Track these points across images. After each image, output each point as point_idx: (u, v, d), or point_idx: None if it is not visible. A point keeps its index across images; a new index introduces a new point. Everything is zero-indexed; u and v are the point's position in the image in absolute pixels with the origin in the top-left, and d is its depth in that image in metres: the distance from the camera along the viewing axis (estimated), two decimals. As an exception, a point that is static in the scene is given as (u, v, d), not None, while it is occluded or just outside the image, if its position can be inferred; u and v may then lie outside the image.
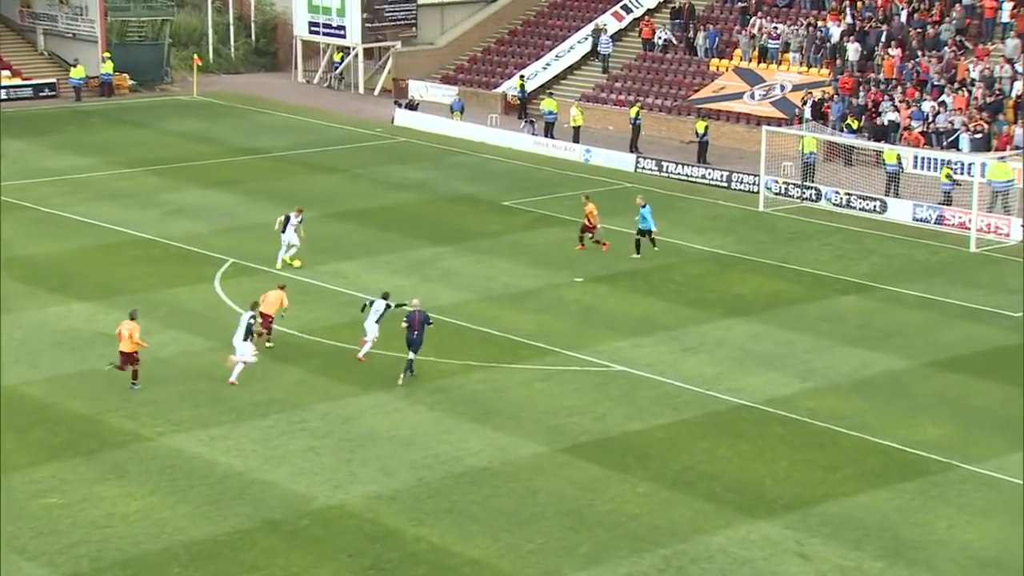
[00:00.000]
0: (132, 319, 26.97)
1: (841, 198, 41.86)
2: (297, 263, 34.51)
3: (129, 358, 26.69)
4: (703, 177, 45.33)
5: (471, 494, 22.80)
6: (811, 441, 24.80)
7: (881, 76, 48.66)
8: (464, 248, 37.04)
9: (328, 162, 48.33)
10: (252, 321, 27.01)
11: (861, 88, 48.23)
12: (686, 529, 21.64)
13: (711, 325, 31.10)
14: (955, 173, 40.31)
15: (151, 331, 30.19)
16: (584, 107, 52.74)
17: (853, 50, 50.02)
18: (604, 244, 36.39)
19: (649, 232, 36.02)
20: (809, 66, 51.47)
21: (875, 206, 41.09)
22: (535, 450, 24.48)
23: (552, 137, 50.98)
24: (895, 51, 48.67)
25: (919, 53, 48.39)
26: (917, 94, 46.74)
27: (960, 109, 45.10)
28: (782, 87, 50.67)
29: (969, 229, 37.94)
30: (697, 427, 25.52)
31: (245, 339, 26.90)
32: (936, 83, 46.85)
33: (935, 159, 43.58)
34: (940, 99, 45.91)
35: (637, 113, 49.71)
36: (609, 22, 57.75)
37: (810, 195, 42.46)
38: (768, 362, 28.85)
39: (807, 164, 43.74)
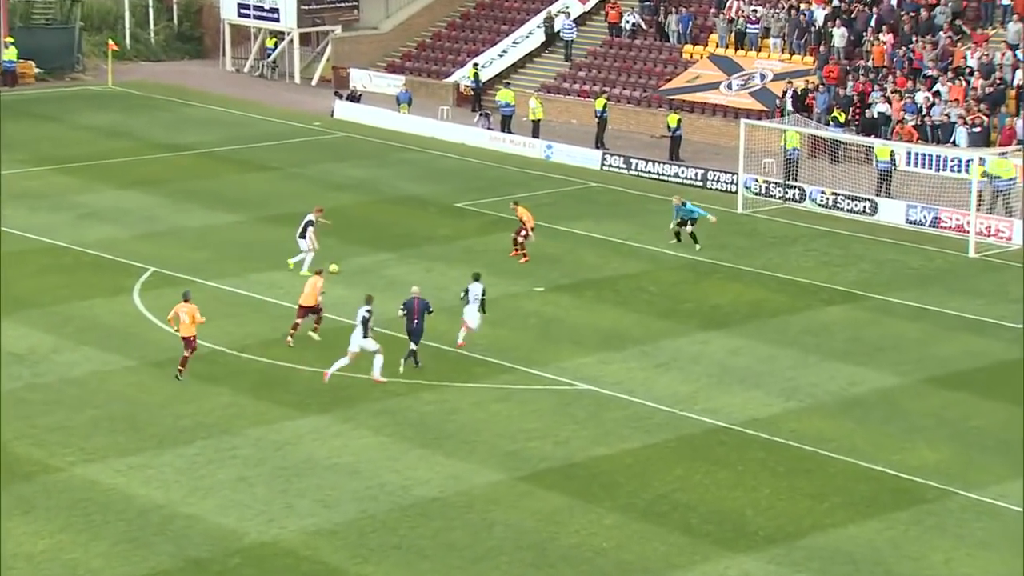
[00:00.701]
0: (187, 300, 28.36)
1: (827, 198, 42.18)
2: (302, 271, 34.11)
3: (189, 343, 28.07)
4: (676, 176, 45.56)
5: (421, 528, 22.74)
6: (796, 467, 24.93)
7: (870, 64, 49.11)
8: (412, 255, 37.00)
9: (261, 159, 48.13)
10: (368, 315, 27.97)
11: (849, 77, 48.65)
12: (659, 565, 21.68)
13: (686, 339, 31.22)
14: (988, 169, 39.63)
15: (61, 349, 29.89)
16: (544, 99, 52.85)
17: (839, 35, 50.45)
18: (524, 254, 36.41)
19: (694, 221, 36.86)
20: (792, 53, 51.87)
21: (865, 207, 41.44)
22: (491, 478, 24.47)
23: (509, 132, 51.05)
24: (885, 36, 49.15)
25: (912, 39, 48.89)
26: (910, 84, 47.20)
27: (957, 100, 45.59)
28: (762, 76, 51.03)
29: (967, 232, 38.32)
30: (670, 452, 25.59)
31: (365, 336, 27.87)
32: (930, 72, 47.35)
33: (930, 155, 44.04)
34: (934, 89, 46.38)
35: (603, 105, 49.89)
36: (572, 4, 57.95)
37: (793, 195, 42.77)
38: (748, 379, 28.99)
39: (790, 161, 44.05)
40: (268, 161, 47.87)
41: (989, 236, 38.54)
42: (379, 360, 28.05)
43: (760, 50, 52.53)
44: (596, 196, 44.24)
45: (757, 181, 43.31)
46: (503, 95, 51.97)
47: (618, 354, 30.36)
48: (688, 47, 54.30)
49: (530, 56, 57.62)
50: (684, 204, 37.70)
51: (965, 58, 47.12)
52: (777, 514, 23.19)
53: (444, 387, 28.49)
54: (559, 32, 56.90)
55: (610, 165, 47.18)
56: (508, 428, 26.56)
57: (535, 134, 50.36)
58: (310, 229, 34.80)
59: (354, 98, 55.78)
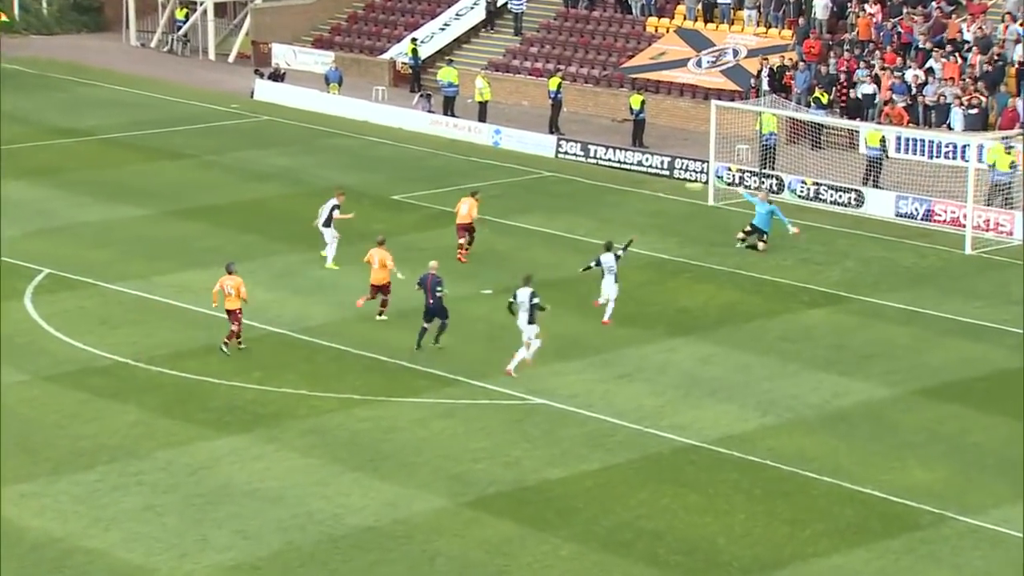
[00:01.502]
0: (231, 273, 30.11)
1: (808, 189, 42.52)
2: (327, 263, 35.68)
3: (234, 316, 29.95)
4: (640, 164, 45.76)
5: (354, 560, 22.68)
6: (774, 489, 25.10)
7: (855, 38, 49.51)
8: (343, 253, 36.94)
9: (171, 146, 47.89)
10: (536, 299, 29.10)
11: (831, 53, 49.04)
12: (622, 600, 21.85)
13: (651, 346, 31.36)
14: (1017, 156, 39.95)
15: (-57, 361, 29.60)
16: (492, 78, 52.95)
17: (821, 6, 50.85)
18: (463, 252, 36.53)
19: (761, 232, 36.85)
20: (768, 26, 52.23)
21: (850, 199, 41.80)
22: (434, 504, 24.47)
23: (453, 115, 51.10)
24: (872, 7, 49.56)
25: (902, 10, 49.33)
26: (899, 60, 47.64)
27: (951, 78, 46.06)
28: (735, 52, 51.36)
29: (964, 226, 38.73)
30: (634, 473, 25.69)
31: (531, 322, 29.02)
32: (922, 46, 47.80)
33: (923, 141, 44.46)
34: (927, 66, 46.84)
35: (558, 85, 50.03)
36: (521, -28, 58.08)
37: (771, 185, 43.06)
38: (721, 392, 29.16)
39: (766, 147, 44.35)
40: (179, 148, 47.62)
41: (988, 231, 38.96)
42: (536, 344, 29.29)
43: (733, 23, 52.87)
44: (550, 187, 44.35)
45: (730, 170, 43.59)
46: (445, 74, 51.99)
47: (575, 364, 30.43)
48: (652, 20, 54.57)
49: (475, 30, 57.72)
50: (773, 208, 36.77)
51: (961, 31, 47.61)
52: (753, 542, 23.34)
53: (380, 402, 28.46)
54: (507, 4, 56.99)
55: (566, 152, 47.32)
56: (452, 448, 26.56)
57: (482, 118, 50.43)
58: (336, 214, 35.79)
59: (277, 77, 55.61)
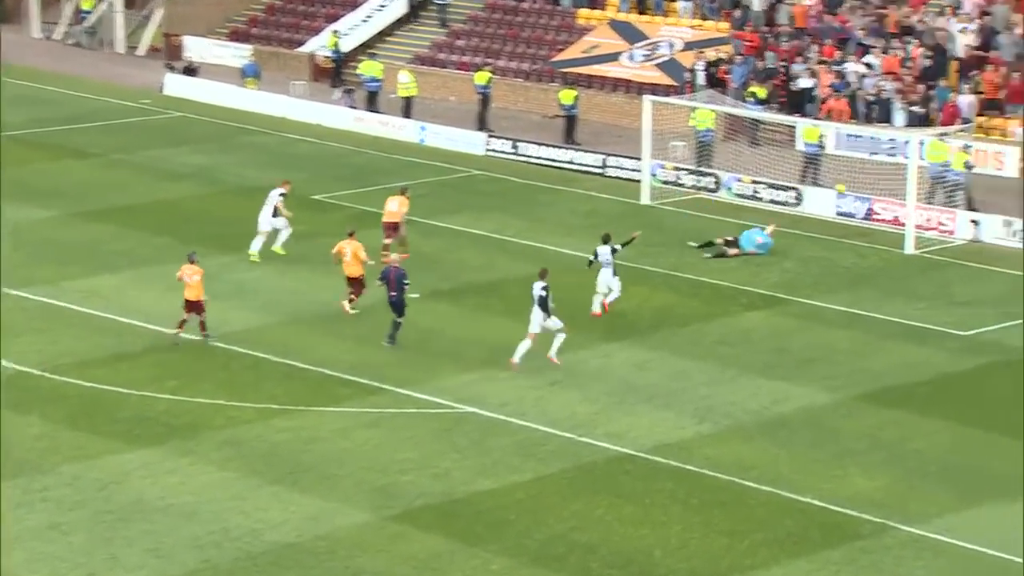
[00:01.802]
0: (193, 262, 30.68)
1: (746, 187, 42.82)
2: (276, 245, 36.76)
3: (195, 306, 30.61)
4: (571, 162, 45.90)
5: (273, 580, 22.63)
6: (711, 499, 25.26)
7: (792, 30, 49.84)
8: (262, 256, 36.76)
9: (77, 144, 47.44)
10: (544, 292, 29.79)
11: (769, 46, 49.40)
12: (555, 617, 21.90)
13: (585, 352, 31.46)
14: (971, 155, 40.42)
15: None
16: (417, 72, 52.88)
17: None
18: (386, 255, 36.63)
19: (720, 248, 37.18)
20: (703, 18, 52.55)
21: (789, 197, 42.15)
22: (357, 519, 24.41)
23: (376, 111, 51.00)
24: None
25: (840, 1, 49.72)
26: (838, 54, 48.08)
27: (892, 73, 46.54)
28: (670, 45, 51.63)
29: (905, 226, 39.16)
30: (567, 484, 25.76)
31: (547, 316, 29.78)
32: (861, 39, 48.25)
33: (863, 137, 44.88)
34: (866, 60, 47.28)
35: (486, 80, 50.08)
36: (449, -39, 58.07)
37: (707, 184, 43.34)
38: (657, 398, 29.31)
39: (702, 144, 44.61)
40: (86, 146, 47.19)
41: (930, 229, 39.38)
42: (560, 338, 29.91)
43: (667, 15, 53.14)
44: (479, 186, 44.38)
45: (665, 168, 43.81)
46: (368, 68, 51.87)
47: (506, 371, 30.47)
48: (584, 11, 54.73)
49: (399, 22, 57.61)
50: (770, 243, 37.35)
51: (901, 23, 48.01)
52: (690, 554, 23.47)
53: (301, 412, 28.35)
54: None
55: (495, 150, 47.37)
56: (377, 459, 26.51)
57: (407, 113, 50.36)
58: (280, 203, 36.52)
59: (190, 71, 55.24)
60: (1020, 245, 37.65)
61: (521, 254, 37.88)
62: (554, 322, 30.15)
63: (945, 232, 39.35)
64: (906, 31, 47.13)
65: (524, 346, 30.06)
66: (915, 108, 45.09)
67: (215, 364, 30.44)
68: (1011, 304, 34.28)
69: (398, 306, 31.25)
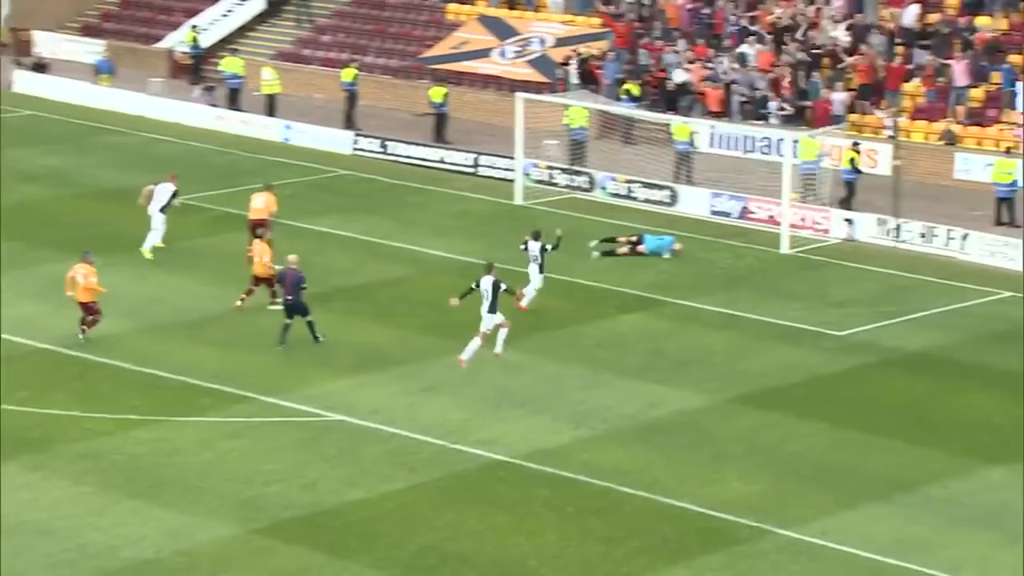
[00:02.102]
0: (88, 263, 30.70)
1: (620, 187, 43.18)
2: (150, 251, 36.69)
3: (88, 309, 30.62)
4: (442, 161, 45.95)
5: (134, 598, 22.42)
6: (587, 506, 25.44)
7: (665, 25, 50.27)
8: (119, 261, 36.34)
9: (-78, 144, 46.53)
10: (495, 286, 30.32)
11: (641, 42, 49.82)
12: (428, 630, 21.92)
13: (457, 357, 31.51)
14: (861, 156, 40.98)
15: None
16: (281, 68, 52.59)
17: (633, -12, 51.38)
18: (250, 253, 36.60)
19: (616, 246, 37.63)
20: (575, 13, 52.86)
21: (664, 196, 42.58)
22: (221, 532, 24.24)
23: (238, 109, 50.63)
24: (686, -8, 50.35)
25: (713, -6, 50.22)
26: (711, 50, 48.59)
27: (765, 69, 47.16)
28: (541, 41, 51.89)
29: (780, 225, 39.75)
30: (439, 493, 25.80)
31: (492, 311, 30.32)
32: (735, 33, 48.76)
33: (736, 135, 45.45)
34: (739, 53, 47.84)
35: (353, 77, 49.95)
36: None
37: (581, 183, 43.62)
38: (531, 403, 29.45)
39: (576, 143, 44.90)
40: (-68, 146, 46.29)
41: (804, 228, 40.02)
42: (504, 332, 30.55)
43: (538, 10, 53.39)
44: (346, 186, 44.24)
45: (538, 167, 44.03)
46: (229, 64, 51.48)
47: (376, 377, 30.42)
48: (453, 6, 54.82)
49: (262, 17, 57.23)
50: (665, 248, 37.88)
51: (776, 17, 48.58)
52: (566, 563, 23.62)
53: (161, 422, 28.08)
54: None
55: (362, 149, 47.27)
56: (242, 470, 26.33)
57: (270, 111, 50.06)
58: (176, 201, 37.20)
59: (40, 67, 54.40)
60: (894, 243, 38.45)
61: (391, 256, 37.84)
62: (498, 317, 30.66)
63: (820, 231, 40.00)
64: (785, 29, 47.70)
65: (474, 344, 30.51)
66: (788, 105, 45.70)
67: (70, 374, 30.04)
68: (885, 303, 34.98)
69: (297, 308, 31.39)
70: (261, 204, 36.92)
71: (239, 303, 33.22)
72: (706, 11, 49.87)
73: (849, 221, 39.80)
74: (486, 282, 30.64)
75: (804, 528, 24.59)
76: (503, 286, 30.68)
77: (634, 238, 38.11)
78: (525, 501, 25.43)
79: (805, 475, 26.55)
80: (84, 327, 31.17)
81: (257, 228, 36.73)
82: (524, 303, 33.16)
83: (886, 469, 26.72)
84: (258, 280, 33.29)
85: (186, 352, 31.33)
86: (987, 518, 25.00)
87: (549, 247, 33.67)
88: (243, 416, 28.48)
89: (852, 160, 40.98)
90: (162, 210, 36.97)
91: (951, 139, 44.18)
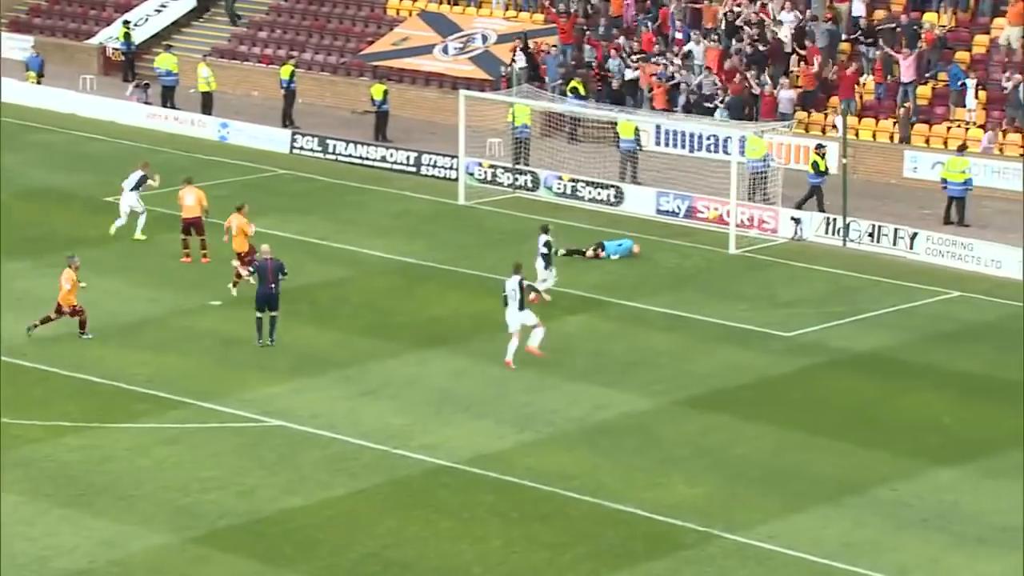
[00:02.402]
0: (71, 267, 31.57)
1: (565, 186, 43.29)
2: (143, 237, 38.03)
3: (73, 311, 31.41)
4: (383, 160, 45.92)
5: (67, 609, 22.31)
6: (532, 511, 25.51)
7: (609, 21, 50.35)
8: (49, 263, 36.10)
9: None
10: (520, 286, 30.85)
11: (585, 38, 49.92)
12: (369, 639, 21.93)
13: (398, 360, 31.51)
14: (823, 158, 40.77)
15: None
16: (216, 65, 52.40)
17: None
18: (204, 255, 36.56)
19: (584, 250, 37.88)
20: (519, 9, 52.95)
21: (609, 195, 42.72)
22: (156, 542, 24.16)
23: (173, 107, 50.41)
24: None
25: (658, -10, 50.37)
26: (656, 46, 48.74)
27: (711, 67, 47.34)
28: (484, 38, 51.94)
29: (727, 224, 39.97)
30: (381, 499, 25.80)
31: (522, 309, 30.68)
32: (679, 31, 48.94)
33: (682, 132, 45.66)
34: (686, 50, 48.05)
35: (291, 74, 49.84)
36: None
37: (525, 182, 43.71)
38: (475, 407, 29.50)
39: (519, 141, 44.97)
40: None
41: (752, 228, 40.26)
42: (540, 332, 30.68)
43: (480, 6, 53.45)
44: (285, 186, 44.15)
45: (482, 166, 44.09)
46: (163, 61, 51.25)
47: (315, 381, 30.39)
48: (394, 2, 54.80)
49: (196, 12, 56.98)
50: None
51: (725, 13, 48.76)
52: (510, 569, 23.67)
53: (93, 429, 27.94)
54: None
55: (301, 147, 47.18)
56: (177, 478, 26.25)
57: (206, 110, 49.86)
58: (149, 183, 38.28)
59: (-32, 64, 53.99)
60: (841, 243, 38.71)
61: (330, 257, 37.79)
62: (528, 316, 30.84)
63: (767, 230, 40.25)
64: (733, 27, 47.90)
65: (513, 345, 30.76)
66: (734, 103, 45.92)
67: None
68: (833, 303, 35.24)
69: (273, 299, 31.58)
70: (192, 201, 36.86)
71: (233, 289, 33.76)
72: (651, 7, 49.95)
73: (796, 220, 40.06)
74: (512, 282, 30.93)
75: (751, 532, 24.75)
76: (526, 283, 31.45)
77: (597, 248, 38.02)
78: (469, 507, 25.48)
79: (752, 478, 26.73)
80: (82, 330, 31.80)
81: (191, 227, 36.66)
82: (532, 296, 33.64)
83: (834, 471, 26.93)
84: (241, 257, 33.73)
85: (119, 356, 31.19)
86: (936, 520, 25.24)
87: (561, 251, 34.91)
88: (179, 422, 28.37)
89: (815, 163, 40.76)
90: (134, 189, 38.19)
91: (906, 136, 44.36)
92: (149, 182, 38.56)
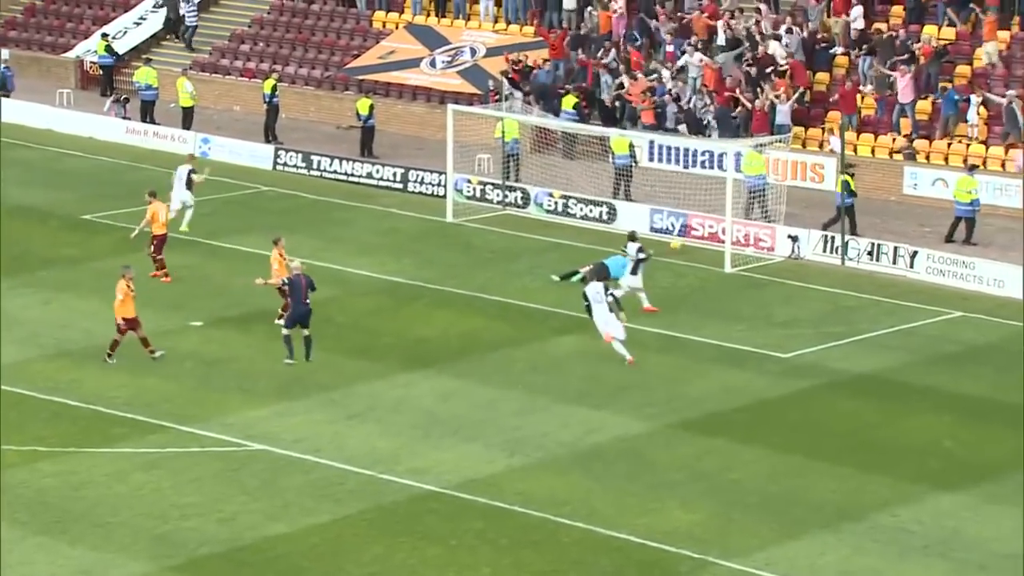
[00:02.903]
0: (125, 278, 31.66)
1: (556, 203, 43.31)
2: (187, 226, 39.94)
3: (134, 323, 31.47)
4: (369, 176, 45.95)
5: (42, 640, 22.24)
6: (522, 538, 25.48)
7: (598, 35, 50.40)
8: (24, 283, 36.11)
9: None
10: (608, 294, 32.40)
11: (579, 51, 49.96)
12: (354, 670, 21.87)
13: (385, 382, 31.50)
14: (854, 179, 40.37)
15: None
16: (198, 79, 52.42)
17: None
18: (165, 273, 36.50)
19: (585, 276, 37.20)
20: (508, 22, 53.01)
21: (601, 213, 42.75)
22: (134, 570, 24.10)
23: (153, 122, 50.43)
24: (617, 3, 50.50)
25: (653, 2, 50.40)
26: (650, 61, 48.75)
27: (707, 84, 47.36)
28: (473, 51, 52.01)
29: (723, 242, 40.00)
30: (367, 526, 25.76)
31: (612, 310, 32.23)
32: (669, 45, 48.99)
33: (676, 148, 45.70)
34: (679, 65, 48.11)
35: (273, 88, 49.85)
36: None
37: (515, 199, 43.73)
38: (463, 431, 29.47)
39: (510, 157, 45.01)
40: None
41: (748, 246, 40.29)
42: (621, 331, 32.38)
43: (469, 18, 53.53)
44: (268, 203, 44.15)
45: (470, 182, 44.12)
46: (143, 75, 51.26)
47: (299, 404, 30.36)
48: (380, 14, 54.88)
49: (177, 24, 56.92)
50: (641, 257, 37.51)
51: (719, 27, 48.86)
52: (500, 598, 23.66)
53: (70, 454, 27.88)
54: (183, 16, 55.97)
55: (285, 164, 47.20)
56: (157, 504, 26.19)
57: (186, 124, 49.88)
58: (194, 178, 40.09)
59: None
60: (840, 261, 38.69)
61: (315, 276, 37.71)
62: (615, 319, 32.39)
63: (764, 249, 40.27)
64: (733, 43, 47.96)
65: (620, 346, 32.11)
66: (731, 116, 45.99)
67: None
68: (831, 324, 35.26)
69: (306, 316, 31.85)
70: (164, 216, 36.92)
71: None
72: (641, 21, 49.99)
73: (793, 238, 40.10)
74: (595, 288, 32.40)
75: (748, 559, 24.74)
76: (611, 292, 32.91)
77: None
78: (457, 533, 25.44)
79: (749, 503, 26.71)
80: (149, 349, 31.97)
81: (163, 245, 36.66)
82: (646, 305, 35.14)
83: (833, 496, 26.92)
84: (281, 290, 33.65)
85: (97, 379, 31.12)
86: (937, 547, 25.24)
87: (645, 253, 35.32)
88: (158, 446, 28.31)
89: (846, 183, 40.03)
90: (188, 187, 39.81)
91: (911, 154, 44.35)
92: (195, 176, 39.82)
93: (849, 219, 40.27)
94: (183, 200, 39.89)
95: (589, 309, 32.63)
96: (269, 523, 25.62)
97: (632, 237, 35.76)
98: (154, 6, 56.75)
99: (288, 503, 26.34)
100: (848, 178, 40.49)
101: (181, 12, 55.88)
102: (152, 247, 36.94)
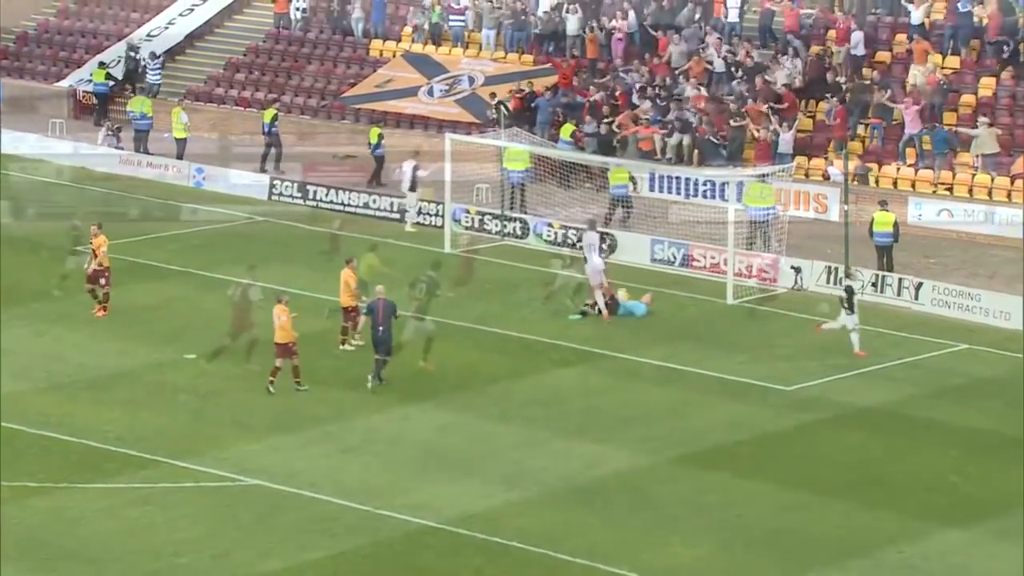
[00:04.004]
0: (281, 302, 32.31)
1: (555, 233, 43.32)
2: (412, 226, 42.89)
3: (286, 350, 31.93)
4: (367, 206, 45.96)
5: None
6: (521, 574, 25.41)
7: (599, 64, 50.52)
8: (15, 315, 36.12)
9: None
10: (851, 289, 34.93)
11: (577, 79, 50.04)
12: None
13: (381, 415, 31.47)
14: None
15: None
16: (192, 108, 52.50)
17: (574, 23, 51.58)
18: (103, 307, 36.29)
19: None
20: (506, 51, 53.12)
21: (602, 244, 42.62)
22: (128, 608, 24.08)
23: (146, 151, 50.48)
24: (621, 23, 50.63)
25: (656, 32, 50.52)
26: (650, 89, 48.83)
27: (703, 110, 47.36)
28: (471, 80, 52.12)
29: (725, 273, 40.02)
30: (363, 562, 25.70)
31: (852, 311, 34.88)
32: (668, 73, 49.06)
33: (677, 178, 45.71)
34: (677, 93, 48.14)
35: (273, 117, 49.91)
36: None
37: (514, 229, 43.75)
38: (461, 465, 29.42)
39: (514, 186, 45.01)
40: None
41: (750, 277, 40.31)
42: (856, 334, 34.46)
43: (467, 46, 53.65)
44: (263, 234, 44.15)
45: (468, 213, 44.13)
46: (137, 104, 51.35)
47: (295, 437, 30.32)
48: (377, 42, 54.99)
49: (170, 53, 57.08)
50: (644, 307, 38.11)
51: (709, 55, 49.01)
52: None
53: (62, 490, 27.83)
54: (143, 68, 55.15)
55: (281, 193, 47.22)
56: (150, 540, 26.14)
57: (180, 154, 49.93)
58: (419, 174, 42.99)
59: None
60: (844, 293, 38.58)
61: (312, 308, 37.73)
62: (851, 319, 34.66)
63: (767, 280, 40.29)
64: (732, 75, 48.07)
65: (855, 343, 34.61)
66: (730, 145, 46.04)
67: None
68: (834, 356, 35.22)
69: (385, 342, 32.24)
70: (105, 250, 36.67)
71: (346, 346, 34.44)
72: (641, 51, 50.12)
73: (796, 269, 40.12)
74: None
75: (749, 596, 24.70)
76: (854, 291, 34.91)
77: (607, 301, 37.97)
78: (455, 570, 25.39)
79: (752, 539, 26.67)
80: (298, 382, 32.23)
81: (99, 278, 36.31)
82: (824, 326, 35.80)
83: (838, 532, 26.88)
84: (347, 312, 34.29)
85: (89, 413, 31.08)
86: (945, 583, 25.22)
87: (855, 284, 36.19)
88: (151, 482, 28.26)
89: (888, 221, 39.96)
90: (411, 188, 42.27)
91: (864, 175, 44.35)
92: (419, 173, 41.87)
93: (887, 257, 40.01)
94: (412, 205, 43.18)
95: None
96: (264, 559, 25.58)
97: (848, 275, 36.93)
98: (112, 62, 56.07)
99: (283, 538, 26.30)
100: (887, 213, 40.07)
101: (142, 66, 55.19)
102: (88, 278, 36.57)
